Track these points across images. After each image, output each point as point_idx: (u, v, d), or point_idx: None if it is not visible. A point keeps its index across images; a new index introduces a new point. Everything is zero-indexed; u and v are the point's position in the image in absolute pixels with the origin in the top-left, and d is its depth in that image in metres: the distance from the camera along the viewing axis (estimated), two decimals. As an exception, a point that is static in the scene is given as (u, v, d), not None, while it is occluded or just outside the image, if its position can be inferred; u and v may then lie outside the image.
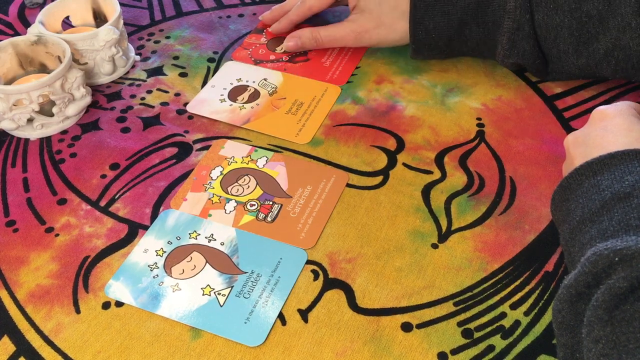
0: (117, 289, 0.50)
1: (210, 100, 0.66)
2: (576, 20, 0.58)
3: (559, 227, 0.47)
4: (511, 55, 0.61)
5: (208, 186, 0.57)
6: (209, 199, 0.56)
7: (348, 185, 0.57)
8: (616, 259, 0.36)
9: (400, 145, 0.61)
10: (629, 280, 0.35)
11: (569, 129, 0.61)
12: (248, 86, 0.68)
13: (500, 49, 0.62)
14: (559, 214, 0.46)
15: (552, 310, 0.40)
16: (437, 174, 0.58)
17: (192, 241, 0.53)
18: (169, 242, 0.53)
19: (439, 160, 0.59)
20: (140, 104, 0.66)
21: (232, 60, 0.71)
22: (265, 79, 0.68)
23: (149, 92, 0.68)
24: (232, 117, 0.64)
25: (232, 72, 0.70)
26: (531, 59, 0.61)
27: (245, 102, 0.66)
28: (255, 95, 0.66)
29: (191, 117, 0.64)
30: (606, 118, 0.47)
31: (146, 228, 0.54)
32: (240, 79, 0.69)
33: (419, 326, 0.47)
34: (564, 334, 0.38)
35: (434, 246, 0.52)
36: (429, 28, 0.63)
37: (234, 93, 0.67)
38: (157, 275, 0.50)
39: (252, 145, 0.61)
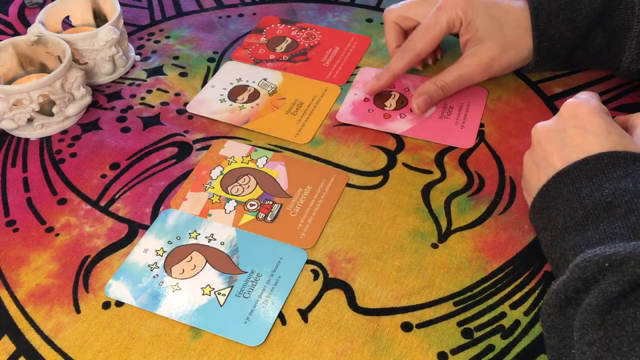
0: (117, 289, 0.50)
1: (210, 100, 0.66)
2: None
3: (538, 233, 0.47)
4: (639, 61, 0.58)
5: (208, 186, 0.57)
6: (209, 198, 0.56)
7: (348, 185, 0.57)
8: (606, 264, 0.36)
9: (400, 145, 0.61)
10: (621, 285, 0.35)
11: (569, 129, 0.61)
12: (248, 86, 0.68)
13: (627, 54, 0.58)
14: (540, 221, 0.46)
15: (540, 315, 0.40)
16: (437, 174, 0.58)
17: (192, 241, 0.53)
18: (169, 242, 0.53)
19: (439, 160, 0.59)
20: (140, 103, 0.66)
21: (231, 60, 0.71)
22: (265, 79, 0.68)
23: (149, 91, 0.68)
24: (232, 117, 0.64)
25: (232, 72, 0.70)
26: None
27: (245, 102, 0.66)
28: (255, 95, 0.66)
29: (191, 117, 0.64)
30: (579, 115, 0.46)
31: (146, 228, 0.54)
32: (240, 78, 0.69)
33: (419, 326, 0.47)
34: (552, 337, 0.39)
35: (434, 246, 0.52)
36: (554, 37, 0.59)
37: (234, 93, 0.67)
38: (157, 275, 0.50)
39: (252, 145, 0.61)
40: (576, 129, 0.45)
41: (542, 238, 0.46)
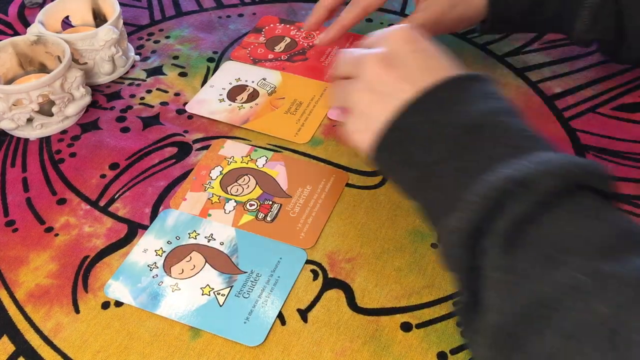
0: (116, 289, 0.50)
1: (209, 100, 0.66)
2: None
3: (392, 172, 0.43)
4: (591, 31, 0.58)
5: (208, 186, 0.57)
6: (209, 198, 0.56)
7: (348, 185, 0.57)
8: (510, 186, 0.34)
9: (400, 144, 0.60)
10: (527, 205, 0.33)
11: (569, 129, 0.61)
12: (247, 86, 0.68)
13: (579, 23, 0.59)
14: (393, 159, 0.41)
15: (444, 259, 0.37)
16: (436, 174, 0.58)
17: (192, 241, 0.53)
18: (169, 242, 0.53)
19: (439, 160, 0.59)
20: (140, 103, 0.66)
21: (230, 59, 0.71)
22: (264, 79, 0.68)
23: (149, 91, 0.68)
24: (231, 116, 0.64)
25: (231, 71, 0.70)
26: (611, 36, 0.59)
27: (244, 102, 0.66)
28: (254, 95, 0.66)
29: (191, 116, 0.64)
30: (411, 40, 0.43)
31: (146, 228, 0.54)
32: (239, 78, 0.68)
33: (419, 326, 0.47)
34: (462, 277, 0.36)
35: (434, 246, 0.52)
36: (509, 1, 0.60)
37: (233, 93, 0.67)
38: (156, 275, 0.50)
39: (252, 145, 0.61)
40: (416, 53, 0.43)
41: (400, 178, 0.42)
